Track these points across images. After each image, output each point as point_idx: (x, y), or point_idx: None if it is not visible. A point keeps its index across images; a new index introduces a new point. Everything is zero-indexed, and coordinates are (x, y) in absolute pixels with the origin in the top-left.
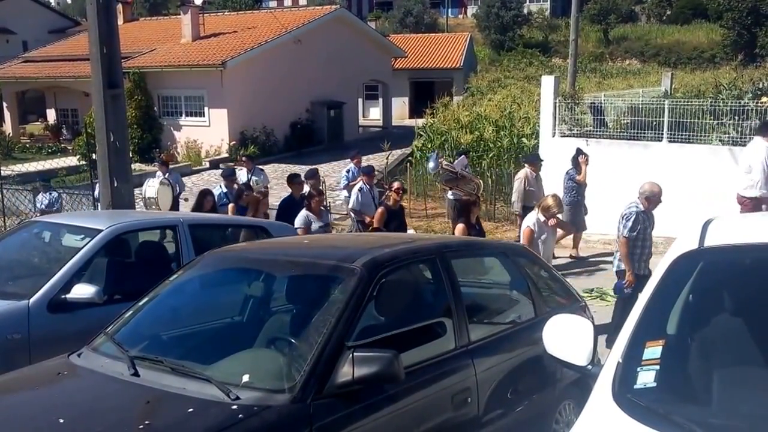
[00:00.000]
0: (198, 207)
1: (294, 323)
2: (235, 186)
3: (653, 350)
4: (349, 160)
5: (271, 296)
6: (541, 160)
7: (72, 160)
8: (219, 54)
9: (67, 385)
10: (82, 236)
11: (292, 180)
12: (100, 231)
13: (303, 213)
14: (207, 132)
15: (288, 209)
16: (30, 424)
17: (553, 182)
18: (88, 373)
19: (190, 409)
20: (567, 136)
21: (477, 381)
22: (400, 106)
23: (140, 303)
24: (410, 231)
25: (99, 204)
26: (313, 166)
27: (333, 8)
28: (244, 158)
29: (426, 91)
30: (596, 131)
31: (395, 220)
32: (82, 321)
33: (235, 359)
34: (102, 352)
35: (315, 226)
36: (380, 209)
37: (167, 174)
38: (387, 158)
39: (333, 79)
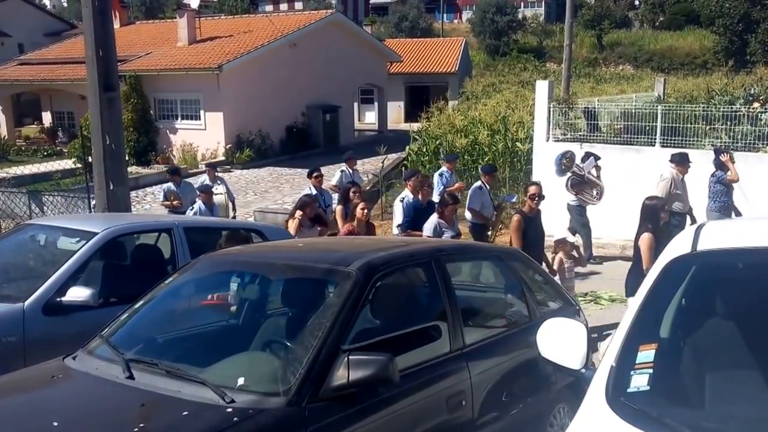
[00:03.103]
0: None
1: (289, 326)
2: (331, 187)
3: (646, 354)
4: (444, 161)
5: (266, 299)
6: (690, 161)
7: (68, 163)
8: (215, 57)
9: (61, 388)
10: (78, 239)
11: (418, 179)
12: (95, 234)
13: (434, 220)
14: (203, 135)
15: (415, 214)
16: (24, 428)
17: (548, 187)
18: (82, 376)
19: (185, 412)
20: (561, 140)
21: (471, 384)
22: (396, 111)
23: (136, 306)
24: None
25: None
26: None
27: (329, 13)
28: (350, 156)
29: (421, 95)
30: (590, 136)
31: (532, 228)
32: (78, 324)
33: (231, 362)
34: (97, 355)
35: (447, 235)
36: (516, 217)
37: (219, 183)
38: (383, 162)
39: (329, 83)
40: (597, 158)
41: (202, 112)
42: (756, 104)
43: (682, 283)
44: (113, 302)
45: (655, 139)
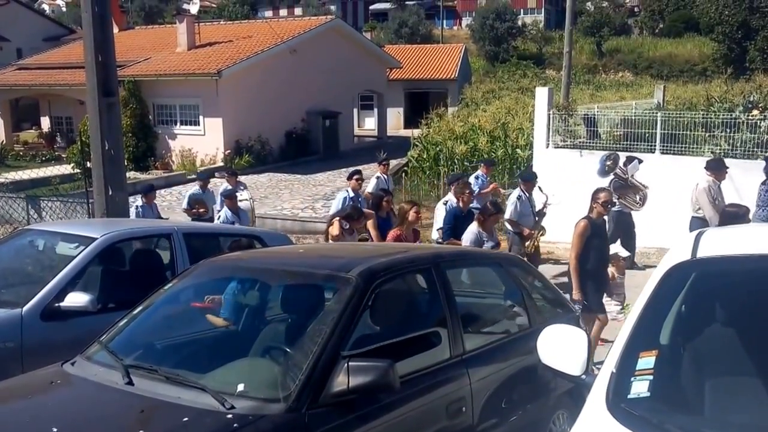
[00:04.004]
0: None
1: (289, 332)
2: (367, 195)
3: (647, 360)
4: (482, 165)
5: (266, 305)
6: (727, 167)
7: (66, 168)
8: (214, 63)
9: (60, 394)
10: (77, 244)
11: (459, 185)
12: (94, 239)
13: (474, 229)
14: (202, 141)
15: (456, 221)
16: None
17: (549, 192)
18: (81, 381)
19: (185, 419)
20: (560, 147)
21: (471, 390)
22: (395, 117)
23: (135, 312)
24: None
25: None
26: (456, 172)
27: (328, 19)
28: (384, 160)
29: (421, 101)
30: (589, 143)
31: (598, 234)
32: (76, 329)
33: (230, 368)
34: (96, 360)
35: (487, 245)
36: (583, 222)
37: (242, 188)
38: None
39: (328, 89)
40: (640, 161)
41: (201, 117)
42: (755, 111)
43: (682, 290)
44: (112, 308)
45: (655, 146)
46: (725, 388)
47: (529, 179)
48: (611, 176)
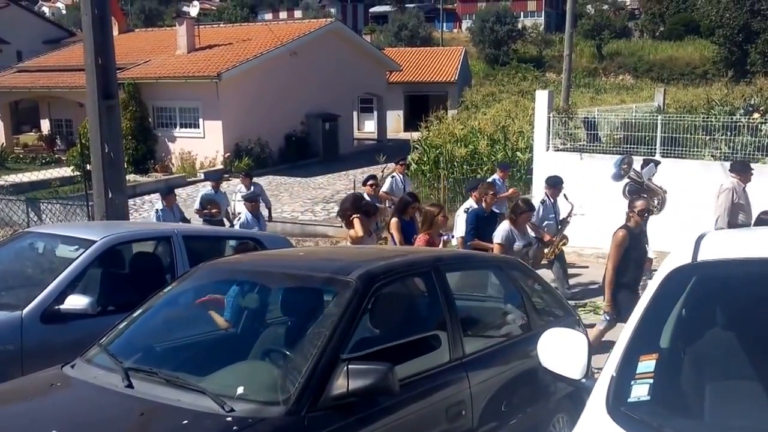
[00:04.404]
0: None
1: (289, 335)
2: (383, 194)
3: (647, 364)
4: (498, 169)
5: (265, 308)
6: (752, 169)
7: (66, 171)
8: (214, 66)
9: (60, 397)
10: (76, 247)
11: (483, 186)
12: (94, 242)
13: (506, 227)
14: (202, 143)
15: (478, 222)
16: None
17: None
18: (81, 384)
19: (185, 421)
20: (560, 150)
21: (471, 394)
22: (395, 120)
23: (134, 314)
24: None
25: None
26: (476, 180)
27: (328, 21)
28: (401, 160)
29: (420, 104)
30: (589, 146)
31: (637, 245)
32: (76, 332)
33: (230, 371)
34: (96, 363)
35: (518, 244)
36: (622, 232)
37: (252, 187)
38: (382, 171)
39: (328, 91)
40: (657, 163)
41: (200, 120)
42: (756, 115)
43: (683, 293)
44: (111, 311)
45: (655, 149)
46: (725, 392)
47: (554, 185)
48: (626, 180)
